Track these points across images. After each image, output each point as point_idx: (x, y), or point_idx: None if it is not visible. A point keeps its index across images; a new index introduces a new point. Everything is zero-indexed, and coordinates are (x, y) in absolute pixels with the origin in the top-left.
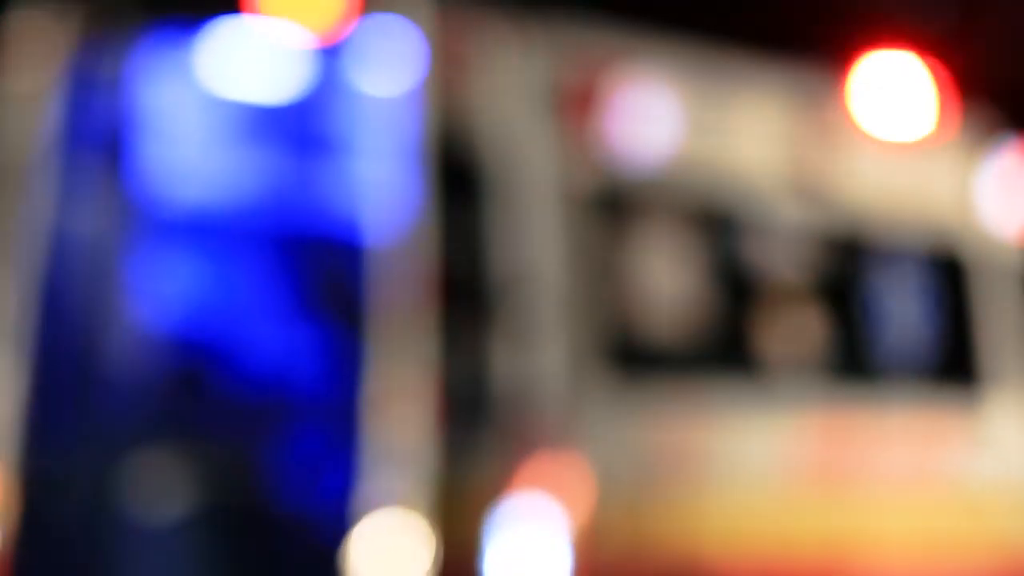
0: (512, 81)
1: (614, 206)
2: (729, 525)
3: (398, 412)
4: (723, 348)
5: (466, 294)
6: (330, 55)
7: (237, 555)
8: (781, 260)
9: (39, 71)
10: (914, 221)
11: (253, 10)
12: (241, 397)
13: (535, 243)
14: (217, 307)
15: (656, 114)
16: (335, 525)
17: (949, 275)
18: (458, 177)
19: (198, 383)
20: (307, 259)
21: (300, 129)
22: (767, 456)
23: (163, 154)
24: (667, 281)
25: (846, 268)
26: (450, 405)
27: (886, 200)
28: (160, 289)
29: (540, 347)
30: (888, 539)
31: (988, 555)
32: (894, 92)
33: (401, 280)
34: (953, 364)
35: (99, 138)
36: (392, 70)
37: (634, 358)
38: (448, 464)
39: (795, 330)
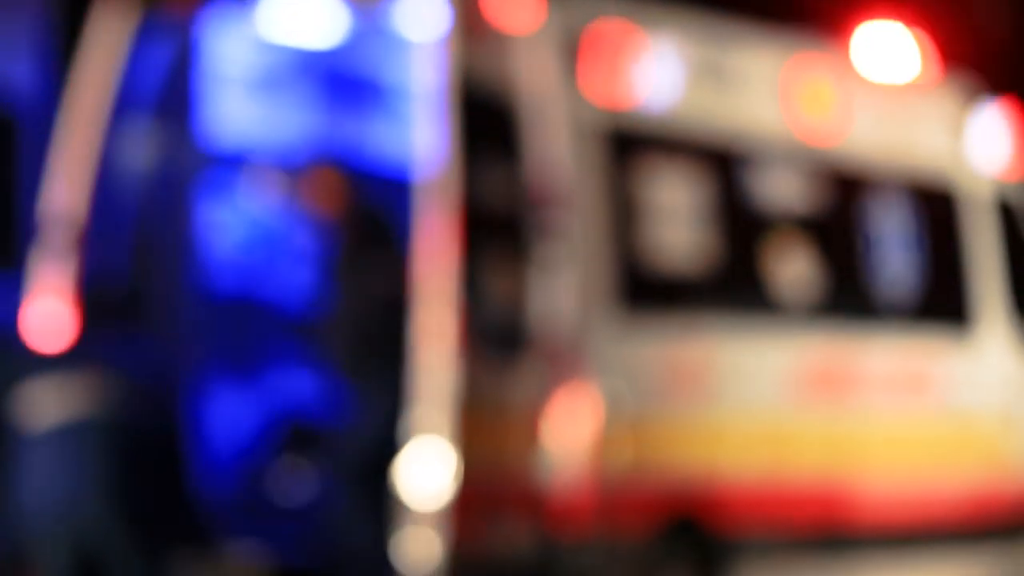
0: (538, 30)
1: (628, 148)
2: (727, 449)
3: (431, 342)
4: (728, 281)
5: (492, 229)
6: (372, 6)
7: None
8: (783, 197)
9: (118, 23)
10: (908, 164)
11: None
12: (287, 325)
13: (555, 180)
14: (267, 238)
15: (667, 62)
16: (376, 448)
17: (942, 212)
18: (486, 119)
19: (249, 311)
20: (352, 194)
21: (346, 73)
22: (768, 384)
23: (224, 96)
24: (677, 217)
25: (844, 204)
26: (477, 336)
27: (881, 145)
28: (219, 218)
29: (558, 279)
30: (882, 461)
31: (975, 471)
32: (885, 54)
33: (433, 216)
34: (945, 295)
35: (167, 83)
36: (428, 19)
37: (645, 289)
38: (474, 391)
39: (796, 264)
